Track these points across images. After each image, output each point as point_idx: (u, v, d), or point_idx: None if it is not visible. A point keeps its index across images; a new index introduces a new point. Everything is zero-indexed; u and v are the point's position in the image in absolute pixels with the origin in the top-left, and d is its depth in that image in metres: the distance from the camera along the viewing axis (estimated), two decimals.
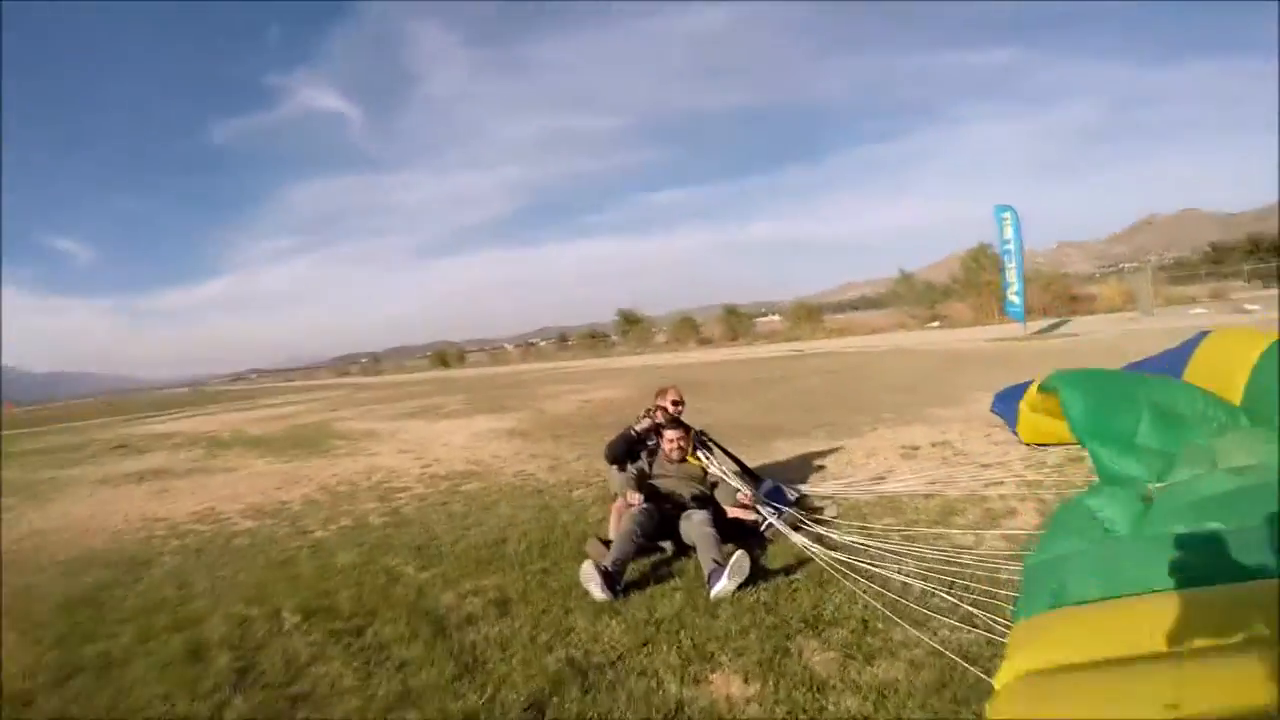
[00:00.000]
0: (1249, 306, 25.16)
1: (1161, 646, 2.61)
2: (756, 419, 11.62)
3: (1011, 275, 26.78)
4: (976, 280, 39.37)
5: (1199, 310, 27.18)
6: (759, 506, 5.57)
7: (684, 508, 5.30)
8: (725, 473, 5.89)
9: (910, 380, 15.07)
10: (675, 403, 6.37)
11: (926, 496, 6.17)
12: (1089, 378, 6.05)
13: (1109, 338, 19.93)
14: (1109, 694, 2.45)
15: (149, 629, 4.88)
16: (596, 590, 4.44)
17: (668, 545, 5.26)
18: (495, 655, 3.87)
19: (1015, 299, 26.72)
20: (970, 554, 4.65)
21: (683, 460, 5.79)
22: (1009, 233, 26.60)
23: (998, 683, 2.72)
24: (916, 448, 8.17)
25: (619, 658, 3.70)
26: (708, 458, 5.98)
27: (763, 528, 5.46)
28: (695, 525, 4.97)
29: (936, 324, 40.25)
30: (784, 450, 8.87)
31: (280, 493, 9.55)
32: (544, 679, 3.52)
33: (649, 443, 6.06)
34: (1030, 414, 7.32)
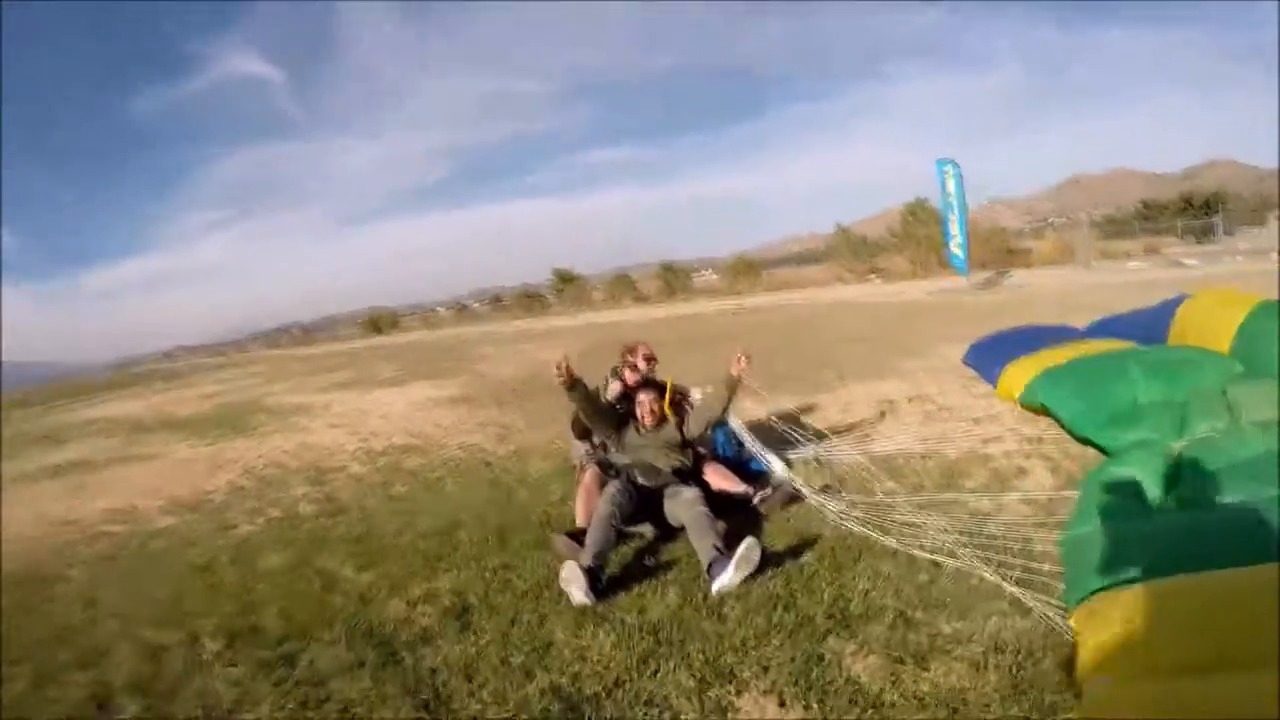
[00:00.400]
0: (1188, 261, 25.44)
1: (1244, 629, 2.46)
2: (713, 376, 10.89)
3: (954, 228, 26.49)
4: (914, 234, 39.55)
5: (1136, 264, 27.40)
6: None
7: (665, 484, 4.58)
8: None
9: (865, 332, 14.67)
10: (647, 358, 5.62)
11: (923, 457, 5.68)
12: (1065, 373, 5.91)
13: (1052, 289, 19.97)
14: (1218, 694, 2.26)
15: (48, 669, 3.92)
16: (579, 594, 3.69)
17: (646, 528, 4.54)
18: (461, 687, 3.10)
19: (958, 251, 26.47)
20: (994, 522, 4.18)
21: (659, 425, 5.05)
22: (951, 186, 26.29)
23: (1082, 680, 2.53)
24: (893, 402, 7.69)
25: (616, 682, 2.96)
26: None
27: (755, 499, 4.79)
28: (685, 505, 4.26)
29: (875, 277, 40.22)
30: (750, 409, 8.20)
31: (204, 480, 8.53)
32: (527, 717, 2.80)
33: (618, 409, 5.31)
34: (1013, 373, 6.85)
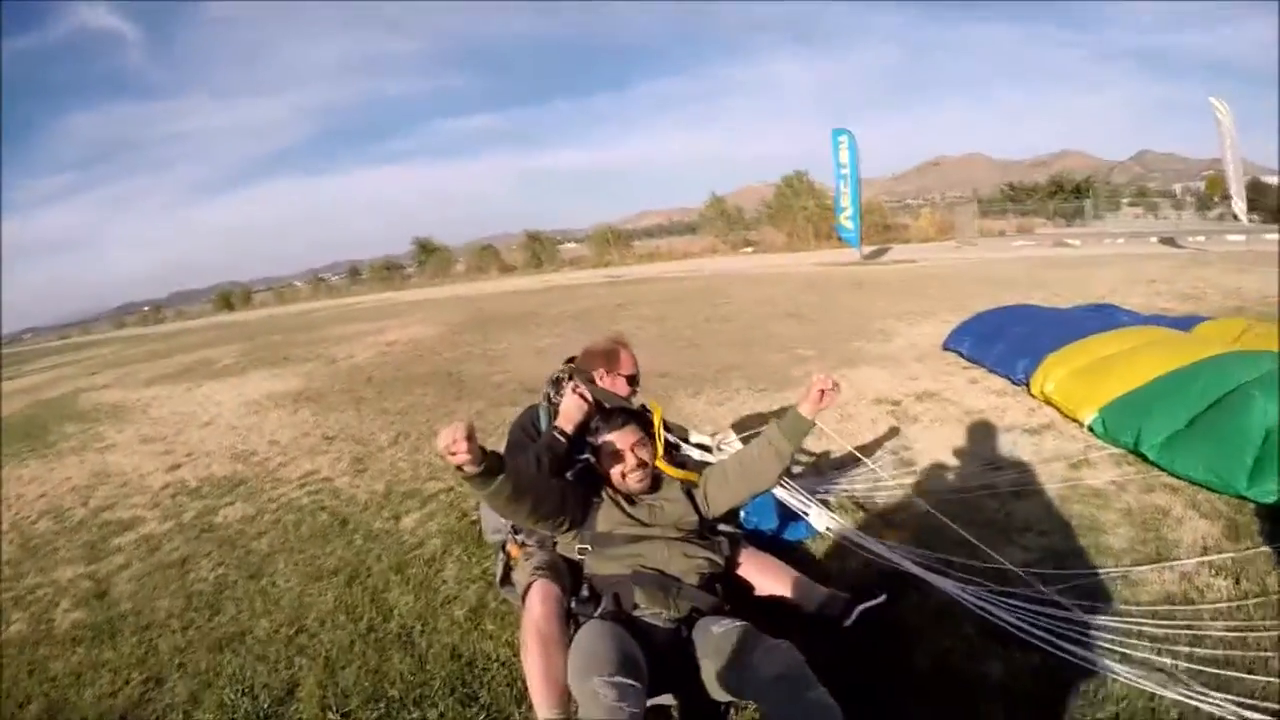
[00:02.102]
0: (1071, 241, 25.75)
1: None
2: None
3: (845, 199, 26.12)
4: (790, 205, 39.48)
5: (1021, 242, 27.50)
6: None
7: (691, 613, 2.43)
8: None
9: (786, 307, 13.21)
10: (631, 378, 3.39)
11: (1015, 494, 3.92)
12: (1163, 403, 4.44)
13: (949, 263, 19.82)
14: None
15: None
16: None
17: (667, 698, 2.36)
18: None
19: (849, 224, 26.03)
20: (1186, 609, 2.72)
21: (653, 491, 2.82)
22: (845, 156, 25.77)
23: None
24: (898, 402, 5.98)
25: None
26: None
27: (854, 615, 2.65)
28: (744, 656, 2.16)
29: (750, 249, 39.70)
30: (708, 413, 6.28)
31: None
32: None
33: (577, 458, 2.98)
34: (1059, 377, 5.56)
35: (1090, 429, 4.75)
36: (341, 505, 5.00)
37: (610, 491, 2.77)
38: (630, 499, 2.75)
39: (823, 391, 2.64)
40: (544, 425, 3.15)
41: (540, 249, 48.91)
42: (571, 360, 3.42)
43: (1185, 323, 6.39)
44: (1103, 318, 6.92)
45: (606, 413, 2.92)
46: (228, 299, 67.97)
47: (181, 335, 34.68)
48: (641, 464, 2.76)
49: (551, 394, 3.25)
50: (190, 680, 3.05)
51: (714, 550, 2.69)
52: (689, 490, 2.81)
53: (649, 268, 34.56)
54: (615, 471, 2.76)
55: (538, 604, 2.56)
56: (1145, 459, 4.13)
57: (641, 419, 2.94)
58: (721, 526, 2.96)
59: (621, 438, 2.78)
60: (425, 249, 54.38)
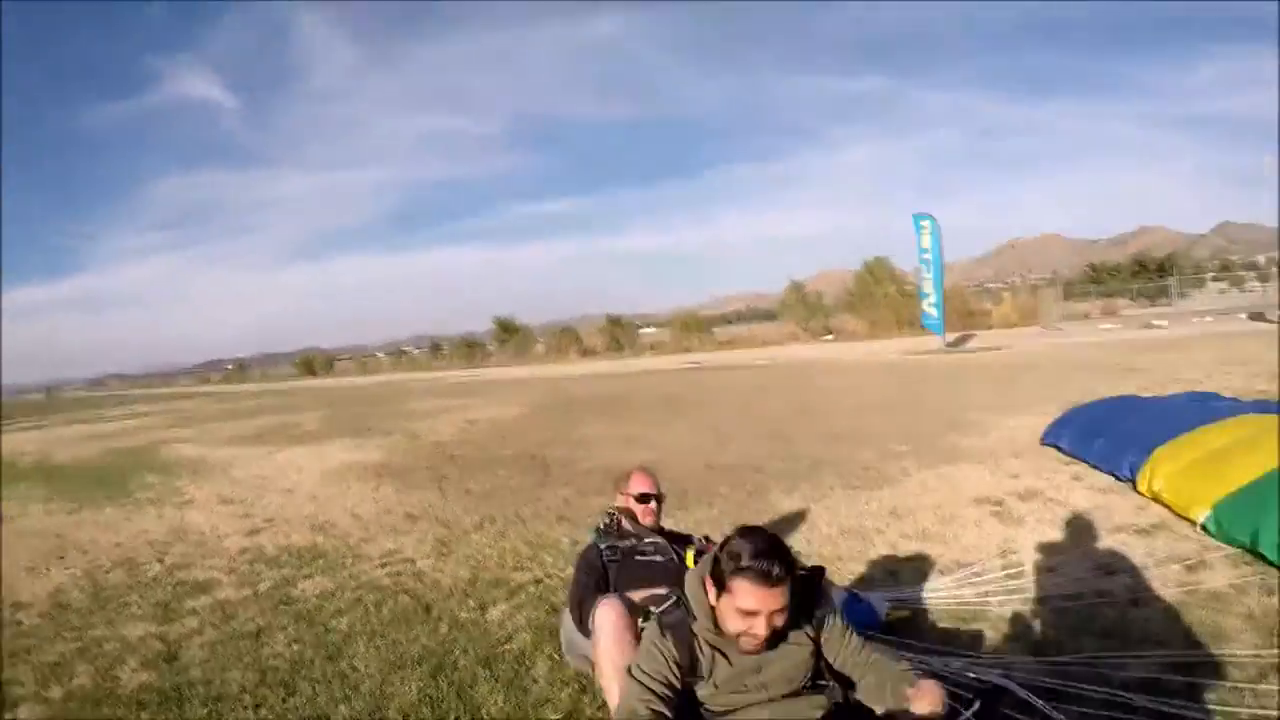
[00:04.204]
0: (1157, 322, 25.16)
1: None
2: (714, 455, 8.68)
3: (928, 286, 25.76)
4: (871, 293, 39.33)
5: (1107, 325, 26.85)
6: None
7: None
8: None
9: (872, 399, 12.91)
10: (642, 496, 3.58)
11: (1132, 601, 3.65)
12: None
13: (1036, 349, 19.49)
14: None
15: None
16: None
17: None
18: None
19: (933, 311, 25.56)
20: None
21: (777, 643, 2.18)
22: (927, 241, 25.44)
23: None
24: (1000, 502, 5.66)
25: None
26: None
27: None
28: None
29: (831, 337, 39.48)
30: (793, 508, 6.08)
31: (23, 584, 6.03)
32: None
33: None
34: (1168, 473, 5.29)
35: (1204, 528, 4.49)
36: (425, 589, 4.85)
37: (706, 629, 2.19)
38: (730, 641, 2.15)
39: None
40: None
41: (620, 333, 49.35)
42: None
43: None
44: (1206, 407, 6.62)
45: (756, 545, 2.06)
46: (310, 364, 69.82)
47: (264, 396, 35.63)
48: (772, 633, 2.08)
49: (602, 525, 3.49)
50: None
51: (829, 695, 2.26)
52: (818, 647, 2.24)
53: (730, 354, 34.51)
54: (734, 627, 2.08)
55: (608, 619, 2.59)
56: (1264, 558, 3.88)
57: (791, 573, 2.09)
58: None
59: (764, 597, 2.02)
60: (505, 328, 55.21)
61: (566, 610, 3.31)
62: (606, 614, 2.60)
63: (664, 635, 2.15)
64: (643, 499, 3.47)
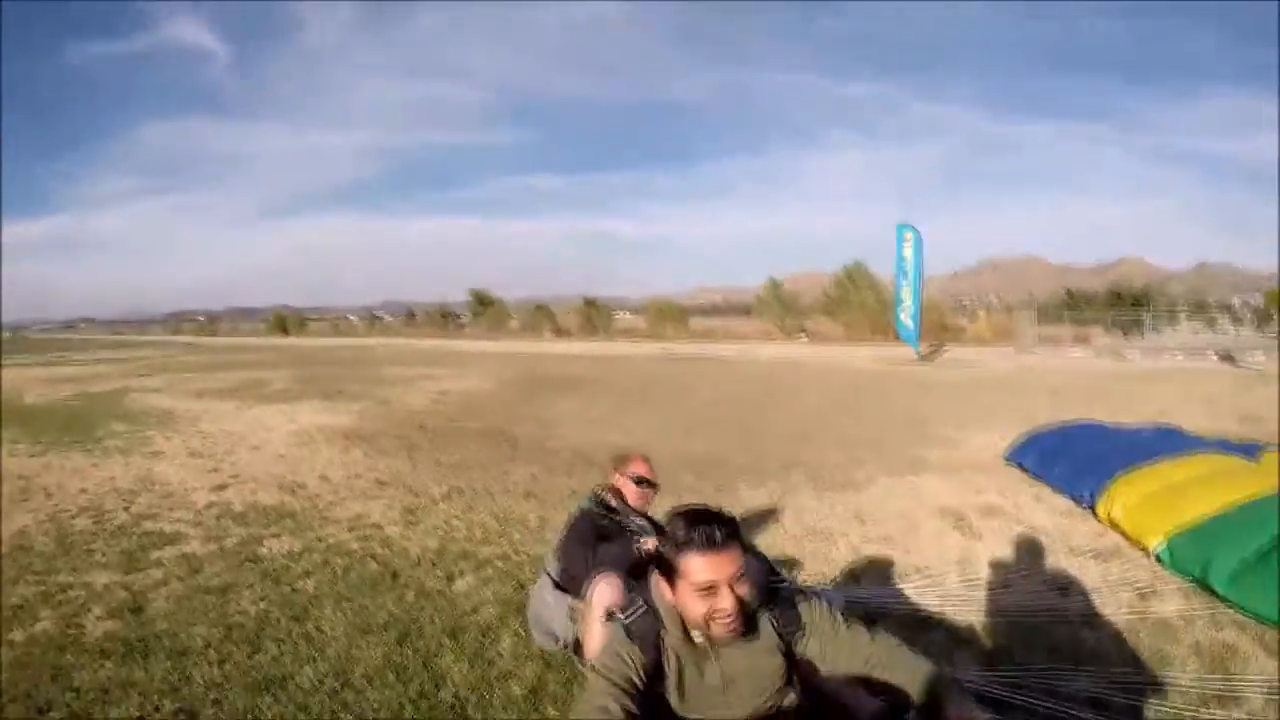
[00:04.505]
0: (1128, 354, 25.41)
1: None
2: (683, 445, 8.78)
3: (906, 296, 25.78)
4: (849, 298, 39.55)
5: (1079, 352, 27.21)
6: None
7: None
8: None
9: (842, 401, 13.12)
10: (640, 479, 3.73)
11: (1086, 622, 3.77)
12: (1237, 541, 4.25)
13: (1007, 370, 19.68)
14: None
15: None
16: None
17: None
18: None
19: (909, 321, 25.65)
20: None
21: (751, 628, 2.05)
22: (908, 252, 25.48)
23: None
24: (963, 516, 5.73)
25: None
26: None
27: None
28: None
29: (805, 338, 39.62)
30: (759, 504, 6.19)
31: None
32: None
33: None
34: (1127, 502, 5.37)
35: (1158, 557, 4.58)
36: (393, 556, 4.90)
37: (677, 639, 2.03)
38: (703, 651, 2.03)
39: None
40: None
41: (595, 316, 49.43)
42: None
43: (1250, 449, 6.23)
44: (1169, 440, 6.76)
45: (692, 516, 1.99)
46: (283, 322, 69.20)
47: (235, 351, 35.31)
48: (740, 606, 1.94)
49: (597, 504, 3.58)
50: (225, 719, 2.96)
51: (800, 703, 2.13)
52: (789, 644, 2.09)
53: (704, 346, 34.62)
54: (698, 611, 1.94)
55: (606, 597, 2.65)
56: (1213, 592, 3.97)
57: (738, 535, 2.01)
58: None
59: (716, 564, 1.91)
60: (481, 301, 55.43)
61: (538, 586, 3.38)
62: (606, 592, 2.64)
63: (630, 641, 1.99)
64: (640, 482, 3.59)
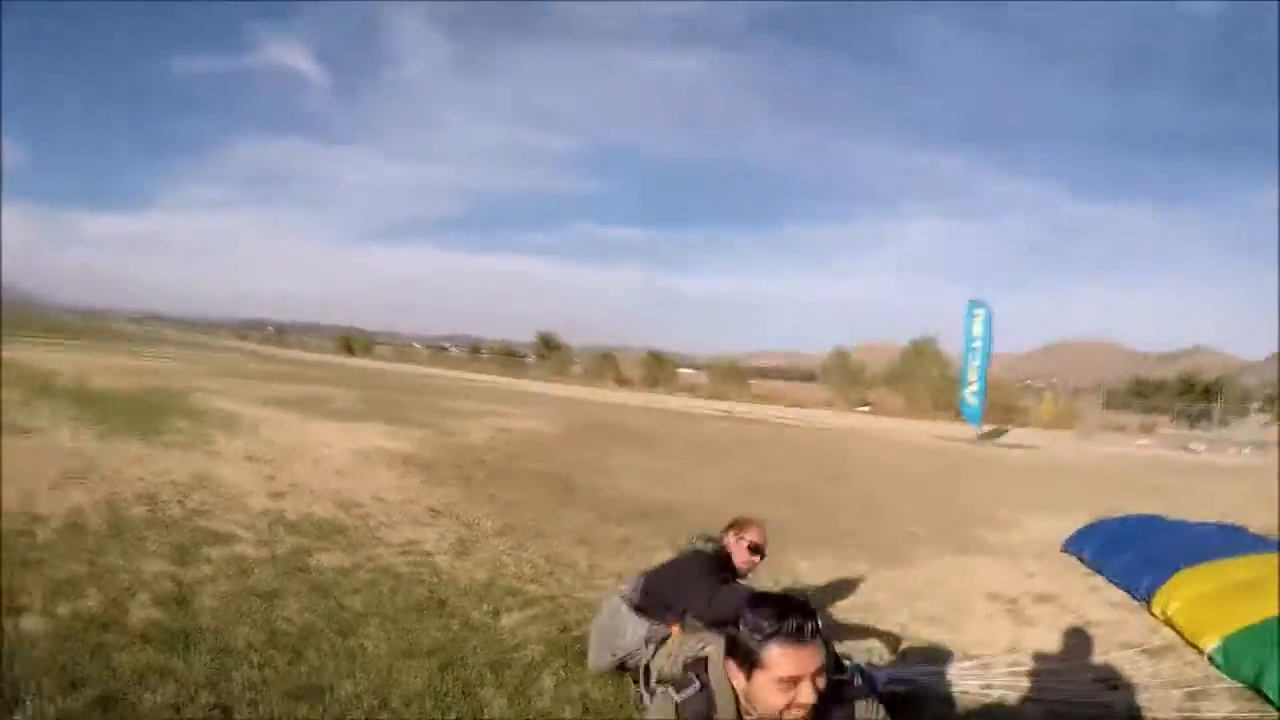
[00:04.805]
0: (1194, 446, 24.71)
1: None
2: (738, 506, 8.61)
3: (973, 374, 25.34)
4: (914, 373, 39.15)
5: (1143, 441, 26.51)
6: None
7: None
8: None
9: (902, 478, 12.93)
10: (754, 547, 3.80)
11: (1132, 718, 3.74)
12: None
13: (1070, 455, 19.36)
14: None
15: None
16: None
17: None
18: None
19: (974, 400, 25.19)
20: None
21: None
22: (978, 329, 25.08)
23: None
24: (1014, 600, 5.67)
25: None
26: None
27: None
28: None
29: (867, 409, 39.19)
30: (806, 573, 6.14)
31: (43, 498, 6.15)
32: None
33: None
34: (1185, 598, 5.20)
35: (1211, 658, 4.40)
36: (441, 585, 4.95)
37: (727, 715, 2.01)
38: None
39: None
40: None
41: (659, 369, 49.56)
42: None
43: None
44: (1231, 538, 6.59)
45: (780, 606, 1.94)
46: (349, 343, 70.32)
47: (300, 365, 35.98)
48: (817, 700, 1.88)
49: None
50: None
51: None
52: None
53: (765, 409, 34.44)
54: (776, 703, 1.87)
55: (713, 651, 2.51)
56: (1266, 698, 3.82)
57: (820, 630, 1.95)
58: None
59: (803, 658, 1.86)
60: (547, 344, 55.92)
61: (610, 605, 3.40)
62: (712, 651, 2.54)
63: None
64: (754, 550, 3.68)
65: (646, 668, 3.00)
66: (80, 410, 11.63)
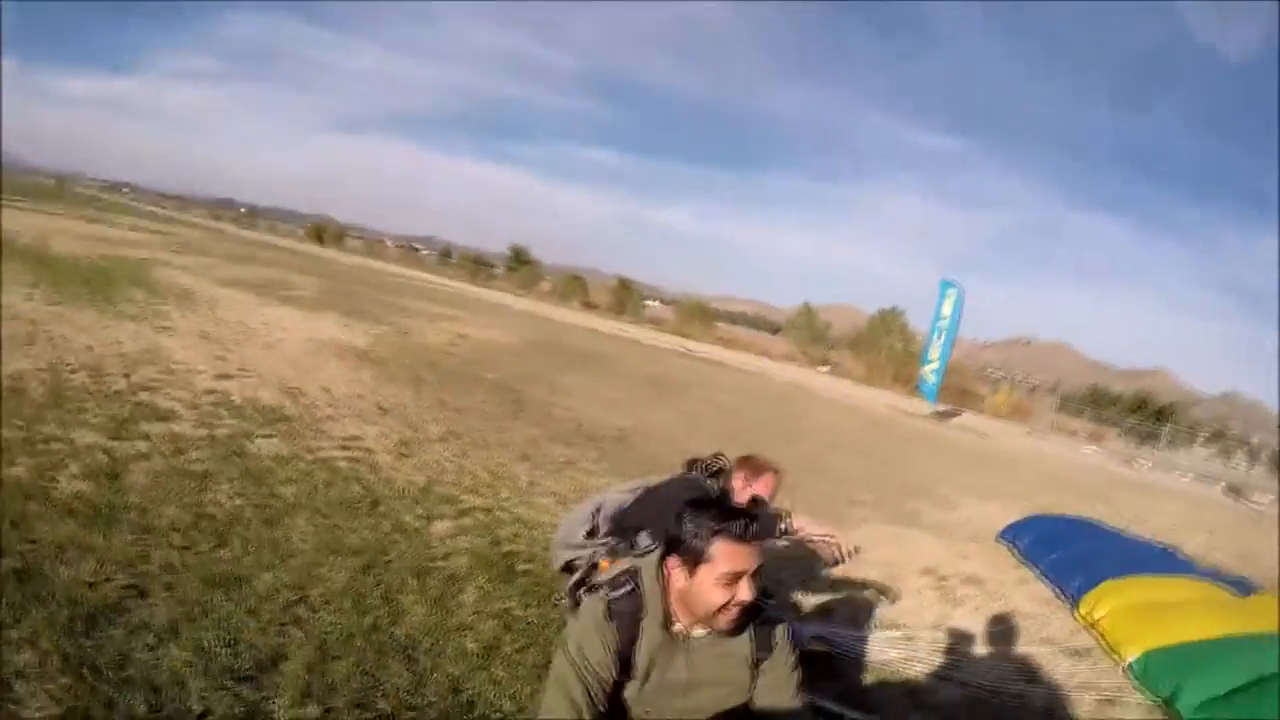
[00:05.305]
0: (1141, 461, 25.14)
1: None
2: (685, 443, 8.67)
3: (935, 352, 25.31)
4: (879, 341, 39.37)
5: (1091, 449, 26.92)
6: None
7: None
8: None
9: (851, 442, 12.92)
10: (756, 501, 3.24)
11: (1047, 713, 3.79)
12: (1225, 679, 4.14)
13: (1019, 448, 19.65)
14: None
15: None
16: None
17: None
18: None
19: (932, 376, 25.24)
20: None
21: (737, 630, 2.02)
22: (947, 309, 25.03)
23: None
24: (945, 579, 5.68)
25: None
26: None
27: None
28: None
29: (826, 369, 39.36)
30: None
31: None
32: None
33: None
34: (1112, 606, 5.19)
35: (1129, 669, 4.44)
36: (378, 484, 4.87)
37: (655, 627, 2.00)
38: (678, 644, 2.01)
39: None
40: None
41: (627, 298, 49.39)
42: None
43: (1241, 586, 6.07)
44: (1167, 558, 6.70)
45: (725, 507, 2.02)
46: (320, 232, 69.27)
47: (268, 248, 35.40)
48: (749, 602, 1.94)
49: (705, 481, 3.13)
50: (174, 606, 2.91)
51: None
52: (758, 662, 2.03)
53: (725, 352, 34.45)
54: (716, 600, 1.91)
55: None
56: (1177, 715, 3.87)
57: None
58: None
59: (746, 555, 1.92)
60: (519, 258, 55.34)
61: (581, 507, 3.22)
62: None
63: (609, 619, 1.96)
64: (755, 502, 3.24)
65: (579, 582, 2.85)
66: (36, 274, 11.28)
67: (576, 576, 2.78)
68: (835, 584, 4.96)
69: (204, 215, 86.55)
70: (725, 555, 1.89)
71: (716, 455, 3.21)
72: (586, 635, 1.96)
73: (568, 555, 2.89)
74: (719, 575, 1.89)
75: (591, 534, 2.93)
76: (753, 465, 3.29)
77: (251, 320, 10.90)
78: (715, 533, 1.91)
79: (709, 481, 3.12)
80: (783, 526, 2.91)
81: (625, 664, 1.97)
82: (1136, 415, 42.78)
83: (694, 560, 1.93)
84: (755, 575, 1.92)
